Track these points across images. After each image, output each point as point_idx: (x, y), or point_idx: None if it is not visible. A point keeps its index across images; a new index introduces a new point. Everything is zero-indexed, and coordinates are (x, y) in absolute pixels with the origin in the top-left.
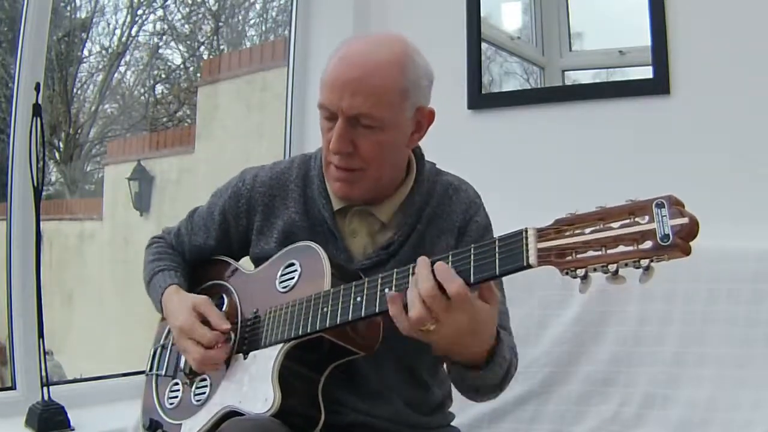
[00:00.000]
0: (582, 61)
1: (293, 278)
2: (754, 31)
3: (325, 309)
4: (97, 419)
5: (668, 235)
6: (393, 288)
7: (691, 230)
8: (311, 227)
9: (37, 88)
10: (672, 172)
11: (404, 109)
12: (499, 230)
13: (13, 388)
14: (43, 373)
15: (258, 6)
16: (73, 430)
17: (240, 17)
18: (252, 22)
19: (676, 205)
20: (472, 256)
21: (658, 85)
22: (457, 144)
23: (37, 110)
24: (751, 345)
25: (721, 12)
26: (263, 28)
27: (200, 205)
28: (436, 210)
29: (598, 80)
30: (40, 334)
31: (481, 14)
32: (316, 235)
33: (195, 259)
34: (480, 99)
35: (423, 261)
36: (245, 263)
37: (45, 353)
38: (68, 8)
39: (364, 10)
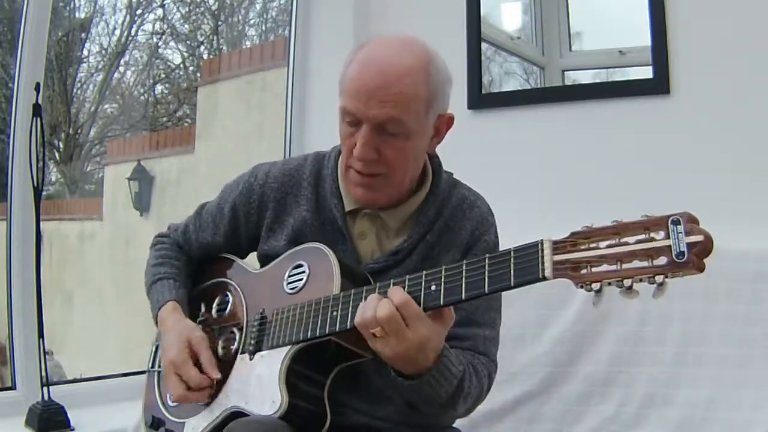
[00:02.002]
0: (582, 61)
1: (302, 280)
2: (754, 31)
3: (334, 313)
4: (97, 419)
5: (683, 252)
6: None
7: (705, 247)
8: (321, 226)
9: (37, 88)
10: (672, 172)
11: (429, 116)
12: (498, 229)
13: (13, 388)
14: (43, 373)
15: (258, 6)
16: (73, 430)
17: (240, 17)
18: (252, 22)
19: (691, 222)
20: (486, 266)
21: (658, 85)
22: (457, 144)
23: (37, 110)
24: (751, 345)
25: (721, 12)
26: (263, 28)
27: (209, 201)
28: (448, 223)
29: (598, 80)
30: (40, 334)
31: (481, 14)
32: (326, 235)
33: (202, 257)
34: (480, 99)
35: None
36: (250, 261)
37: (45, 353)
38: (68, 8)
39: (364, 10)
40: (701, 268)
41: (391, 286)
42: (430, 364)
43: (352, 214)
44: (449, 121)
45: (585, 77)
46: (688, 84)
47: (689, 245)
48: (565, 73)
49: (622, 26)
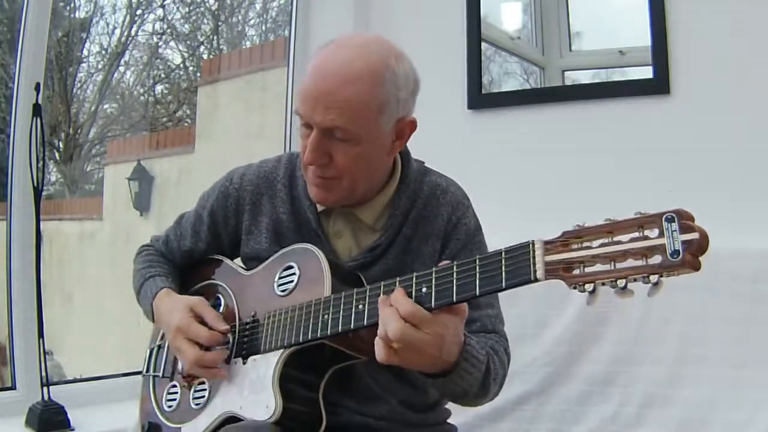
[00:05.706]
0: (582, 61)
1: (292, 281)
2: (754, 31)
3: (326, 316)
4: (97, 419)
5: (678, 251)
6: None
7: (701, 245)
8: (298, 228)
9: (37, 88)
10: (672, 171)
11: (381, 122)
12: (498, 229)
13: (13, 388)
14: (43, 373)
15: (258, 6)
16: (73, 430)
17: (240, 17)
18: (252, 22)
19: (686, 219)
20: (477, 267)
21: (658, 85)
22: (457, 144)
23: (37, 110)
24: (751, 345)
25: (721, 12)
26: (263, 28)
27: (187, 211)
28: (422, 212)
29: (597, 80)
30: (40, 334)
31: (481, 14)
32: (302, 236)
33: (186, 264)
34: (480, 99)
35: (398, 291)
36: (240, 261)
37: (45, 353)
38: (68, 8)
39: (364, 10)
40: (696, 267)
41: (398, 285)
42: (456, 358)
43: (326, 214)
44: (411, 125)
45: (585, 77)
46: (688, 84)
47: (684, 243)
48: (565, 73)
49: (622, 26)
